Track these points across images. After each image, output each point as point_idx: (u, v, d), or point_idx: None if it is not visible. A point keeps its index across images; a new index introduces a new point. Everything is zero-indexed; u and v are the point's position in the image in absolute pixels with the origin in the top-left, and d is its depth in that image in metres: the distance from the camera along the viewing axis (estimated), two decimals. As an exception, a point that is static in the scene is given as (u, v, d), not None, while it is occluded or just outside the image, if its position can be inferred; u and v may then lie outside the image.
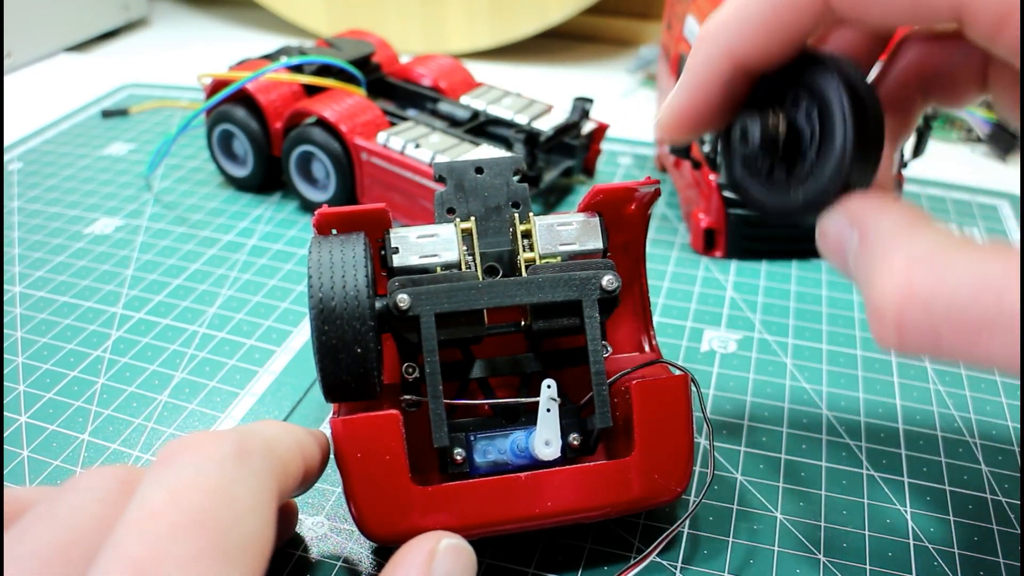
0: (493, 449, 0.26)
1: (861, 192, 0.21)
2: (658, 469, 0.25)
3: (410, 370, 0.26)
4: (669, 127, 0.24)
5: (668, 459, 0.25)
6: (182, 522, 0.17)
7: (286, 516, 0.27)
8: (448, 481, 0.25)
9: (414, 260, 0.26)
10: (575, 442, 0.26)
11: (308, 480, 0.24)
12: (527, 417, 0.26)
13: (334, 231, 0.25)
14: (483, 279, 0.26)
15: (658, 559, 0.27)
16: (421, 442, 0.25)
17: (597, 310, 0.25)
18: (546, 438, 0.25)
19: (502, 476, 0.25)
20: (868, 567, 0.26)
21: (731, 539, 0.28)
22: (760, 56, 0.22)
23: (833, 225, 0.21)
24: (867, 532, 0.28)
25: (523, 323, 0.27)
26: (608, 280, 0.25)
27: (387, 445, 0.24)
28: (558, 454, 0.25)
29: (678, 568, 0.27)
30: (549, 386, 0.25)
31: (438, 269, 0.26)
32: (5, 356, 0.36)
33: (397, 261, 0.26)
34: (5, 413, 0.33)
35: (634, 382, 0.26)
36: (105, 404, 0.34)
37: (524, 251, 0.27)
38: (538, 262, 0.26)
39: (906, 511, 0.29)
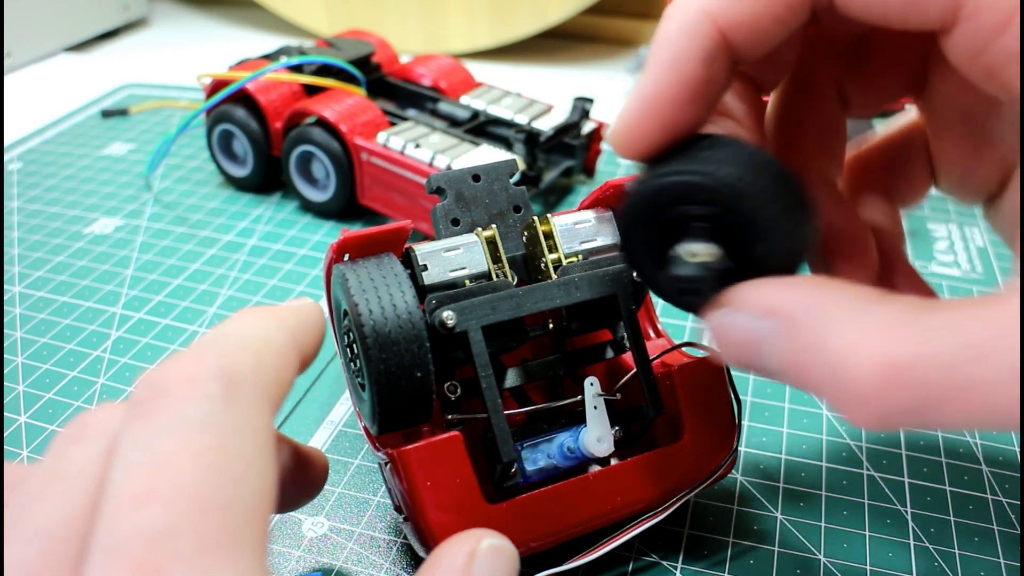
0: (541, 456, 0.25)
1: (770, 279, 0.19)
2: (710, 448, 0.26)
3: (452, 388, 0.25)
4: (631, 125, 0.20)
5: (717, 438, 0.26)
6: (178, 505, 0.15)
7: (310, 472, 0.24)
8: (503, 494, 0.24)
9: (444, 275, 0.25)
10: (618, 435, 0.26)
11: (305, 368, 0.21)
12: (567, 418, 0.26)
13: (347, 256, 0.24)
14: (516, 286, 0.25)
15: (658, 559, 0.27)
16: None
17: (632, 302, 0.25)
18: (598, 435, 0.25)
19: (573, 479, 0.25)
20: (868, 567, 0.26)
21: (731, 539, 0.28)
22: (749, 28, 0.19)
23: (736, 324, 0.19)
24: (867, 532, 0.28)
25: (551, 325, 0.26)
26: None
27: (456, 468, 0.23)
28: (612, 449, 0.25)
29: (678, 568, 0.27)
30: (592, 383, 0.25)
31: (467, 282, 0.25)
32: (5, 356, 0.36)
33: (428, 279, 0.25)
34: (5, 413, 0.33)
35: (676, 366, 0.26)
36: (105, 404, 0.34)
37: (547, 252, 0.26)
38: (564, 262, 0.26)
39: (906, 511, 0.29)
